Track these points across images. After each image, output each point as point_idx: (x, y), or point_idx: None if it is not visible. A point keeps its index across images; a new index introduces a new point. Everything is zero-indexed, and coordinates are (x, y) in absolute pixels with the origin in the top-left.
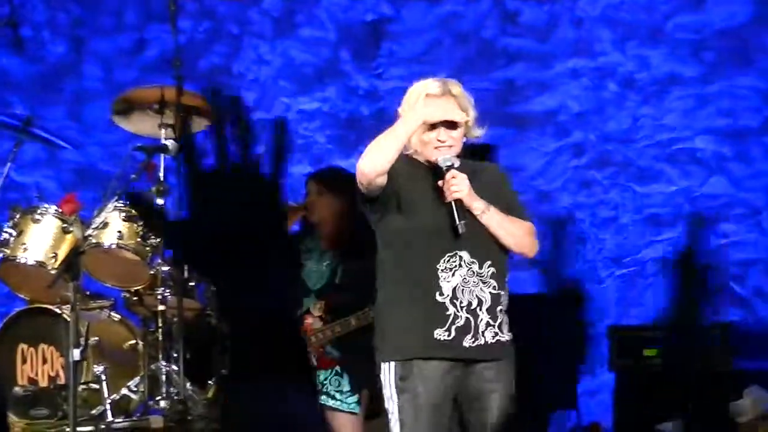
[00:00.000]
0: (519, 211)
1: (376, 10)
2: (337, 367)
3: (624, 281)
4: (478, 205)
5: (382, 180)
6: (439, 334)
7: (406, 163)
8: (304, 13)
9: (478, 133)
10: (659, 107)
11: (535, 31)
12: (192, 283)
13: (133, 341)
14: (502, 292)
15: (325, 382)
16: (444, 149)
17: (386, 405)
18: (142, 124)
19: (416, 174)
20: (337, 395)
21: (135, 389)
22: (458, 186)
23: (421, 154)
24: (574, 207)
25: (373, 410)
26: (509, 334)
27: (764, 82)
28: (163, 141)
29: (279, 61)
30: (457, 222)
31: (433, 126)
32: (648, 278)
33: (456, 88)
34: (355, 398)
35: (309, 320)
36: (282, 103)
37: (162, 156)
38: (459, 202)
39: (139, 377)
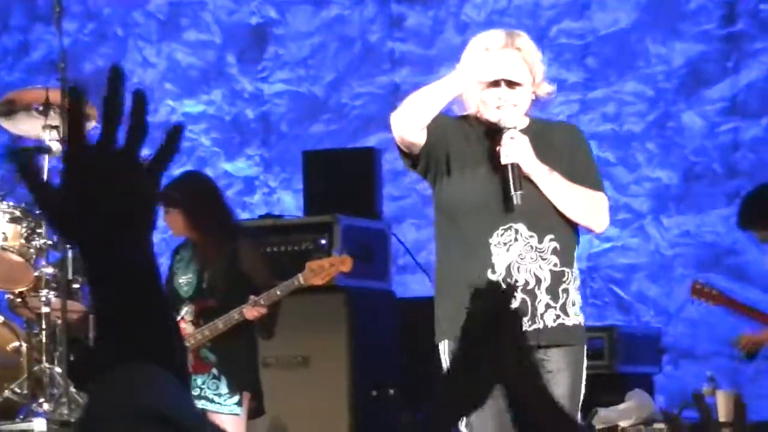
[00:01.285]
0: (592, 180)
1: (262, 14)
2: (214, 371)
3: None
4: (538, 171)
5: (416, 138)
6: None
7: (462, 123)
8: (189, 16)
9: (548, 89)
10: (544, 112)
11: (421, 36)
12: (76, 285)
13: (17, 343)
14: (567, 270)
15: (203, 386)
16: (507, 109)
17: None
18: (26, 126)
19: (473, 136)
20: (216, 398)
21: (18, 392)
22: (515, 148)
23: (482, 115)
24: None
25: (256, 410)
26: (578, 316)
27: (647, 87)
28: (47, 142)
29: (164, 63)
30: (512, 191)
31: (494, 83)
32: None
33: (522, 40)
34: (234, 399)
35: (182, 325)
36: (167, 105)
37: (46, 157)
38: (517, 168)
39: (22, 379)
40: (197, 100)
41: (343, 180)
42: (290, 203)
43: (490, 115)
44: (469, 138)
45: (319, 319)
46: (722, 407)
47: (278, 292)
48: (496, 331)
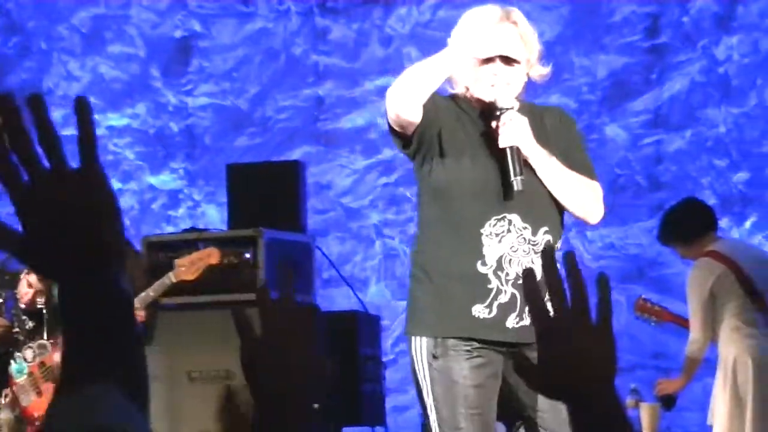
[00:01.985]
0: (587, 168)
1: (186, 27)
2: None
3: None
4: (538, 154)
5: (412, 116)
6: (479, 311)
7: (453, 103)
8: (113, 30)
9: (542, 71)
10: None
11: (345, 49)
12: None
13: None
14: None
15: None
16: (501, 87)
17: (419, 384)
18: None
19: (465, 117)
20: None
21: None
22: (515, 130)
23: (474, 94)
24: (384, 224)
25: None
26: None
27: (571, 99)
28: None
29: (88, 77)
30: (512, 176)
31: (487, 60)
32: None
33: (517, 14)
34: None
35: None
36: None
37: None
38: (516, 151)
39: None
40: (122, 113)
41: (267, 193)
42: (215, 216)
43: (484, 95)
44: (460, 119)
45: None
46: (646, 420)
47: (151, 293)
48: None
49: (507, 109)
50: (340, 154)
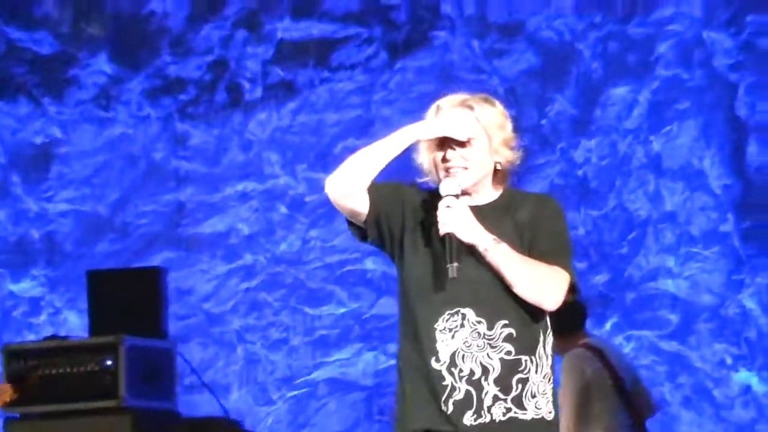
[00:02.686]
0: (552, 252)
1: (47, 133)
2: None
3: (296, 402)
4: (481, 241)
5: (353, 202)
6: (437, 408)
7: (420, 192)
8: None
9: (507, 156)
10: (329, 229)
11: (205, 154)
12: None
13: None
14: (526, 358)
15: None
16: (458, 172)
17: None
18: None
19: (427, 207)
20: None
21: None
22: (450, 217)
23: (432, 182)
24: (244, 330)
25: None
26: (541, 410)
27: None
28: None
29: None
30: (447, 263)
31: (441, 144)
32: (320, 399)
33: (477, 100)
34: None
35: None
36: None
37: None
38: (452, 238)
39: None
40: None
41: (128, 299)
42: (76, 323)
43: (437, 182)
44: (425, 209)
45: None
46: None
47: None
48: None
49: (448, 195)
50: (201, 260)
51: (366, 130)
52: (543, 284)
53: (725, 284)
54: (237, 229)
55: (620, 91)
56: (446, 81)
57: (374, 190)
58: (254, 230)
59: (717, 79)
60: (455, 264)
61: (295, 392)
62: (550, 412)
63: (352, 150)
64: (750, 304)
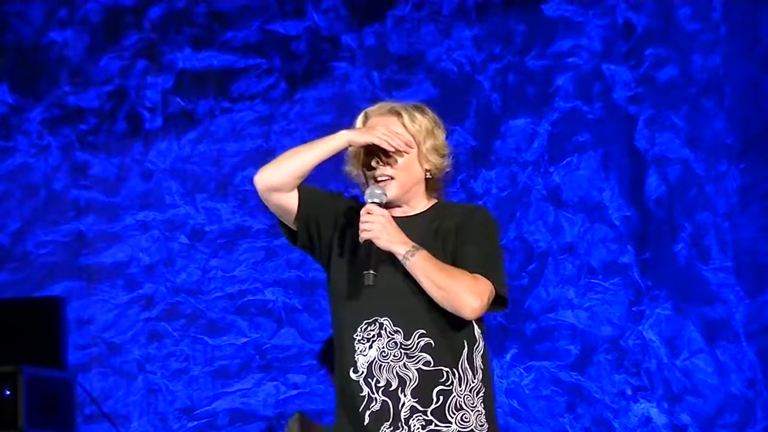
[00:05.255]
0: (478, 264)
1: None
2: None
3: None
4: (399, 250)
5: (278, 199)
6: (357, 419)
7: (349, 200)
8: None
9: (436, 162)
10: (229, 259)
11: (105, 184)
12: None
13: None
14: (448, 369)
15: None
16: (386, 181)
17: None
18: None
19: (352, 214)
20: None
21: None
22: (369, 225)
23: (363, 189)
24: (145, 359)
25: None
26: (466, 422)
27: None
28: None
29: None
30: (364, 271)
31: (368, 153)
32: (221, 429)
33: (405, 108)
34: None
35: None
36: None
37: None
38: (370, 246)
39: None
40: None
41: (27, 329)
42: None
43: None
44: (346, 216)
45: None
46: None
47: None
48: None
49: (371, 202)
50: (101, 289)
51: (266, 159)
52: (461, 293)
53: (625, 315)
54: (137, 258)
55: (519, 123)
56: (345, 111)
57: (304, 192)
58: (154, 260)
59: (616, 111)
60: (371, 272)
61: (196, 422)
62: (481, 426)
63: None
64: (650, 335)
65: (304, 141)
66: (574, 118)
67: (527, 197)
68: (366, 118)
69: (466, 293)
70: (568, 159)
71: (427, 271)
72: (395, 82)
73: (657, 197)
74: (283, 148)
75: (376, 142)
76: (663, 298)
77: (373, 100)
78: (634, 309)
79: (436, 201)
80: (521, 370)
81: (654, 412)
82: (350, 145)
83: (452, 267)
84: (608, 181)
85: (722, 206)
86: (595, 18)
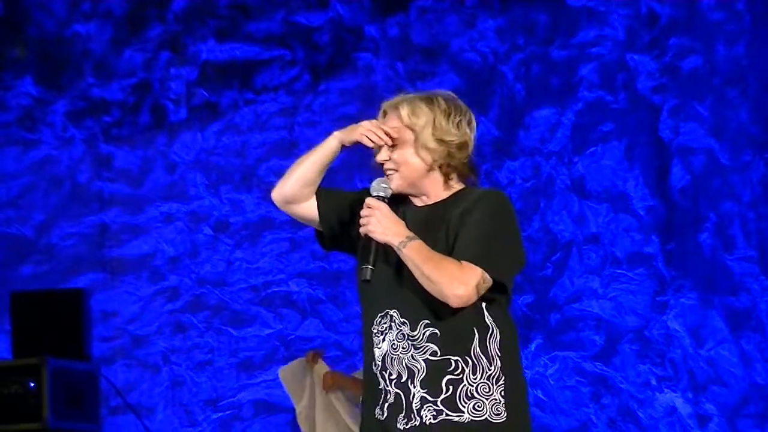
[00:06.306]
0: (468, 251)
1: None
2: None
3: (221, 424)
4: (393, 241)
5: (296, 210)
6: (378, 413)
7: (364, 194)
8: None
9: (429, 144)
10: (253, 251)
11: (129, 176)
12: None
13: None
14: (454, 358)
15: None
16: (391, 174)
17: None
18: None
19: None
20: None
21: None
22: (368, 218)
23: None
24: (169, 351)
25: None
26: (478, 411)
27: None
28: None
29: None
30: (363, 265)
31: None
32: (245, 421)
33: (407, 99)
34: None
35: None
36: None
37: None
38: (369, 239)
39: None
40: None
41: (52, 321)
42: None
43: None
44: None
45: None
46: None
47: None
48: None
49: (375, 195)
50: (125, 281)
51: (290, 151)
52: (445, 281)
53: (649, 305)
54: (162, 250)
55: (543, 113)
56: (369, 102)
57: (321, 198)
58: (179, 251)
59: (640, 101)
60: (369, 266)
61: (220, 414)
62: (498, 414)
63: (276, 171)
64: (674, 325)
65: (328, 132)
66: (597, 109)
67: (551, 188)
68: (384, 111)
69: (449, 282)
70: (592, 149)
71: (416, 261)
72: (419, 73)
73: (681, 187)
74: (307, 140)
75: (358, 138)
76: (687, 288)
77: (397, 91)
78: (658, 299)
79: (459, 189)
80: (546, 360)
81: (679, 402)
82: (344, 145)
83: (441, 256)
84: (632, 171)
85: (746, 196)
86: (619, 7)
